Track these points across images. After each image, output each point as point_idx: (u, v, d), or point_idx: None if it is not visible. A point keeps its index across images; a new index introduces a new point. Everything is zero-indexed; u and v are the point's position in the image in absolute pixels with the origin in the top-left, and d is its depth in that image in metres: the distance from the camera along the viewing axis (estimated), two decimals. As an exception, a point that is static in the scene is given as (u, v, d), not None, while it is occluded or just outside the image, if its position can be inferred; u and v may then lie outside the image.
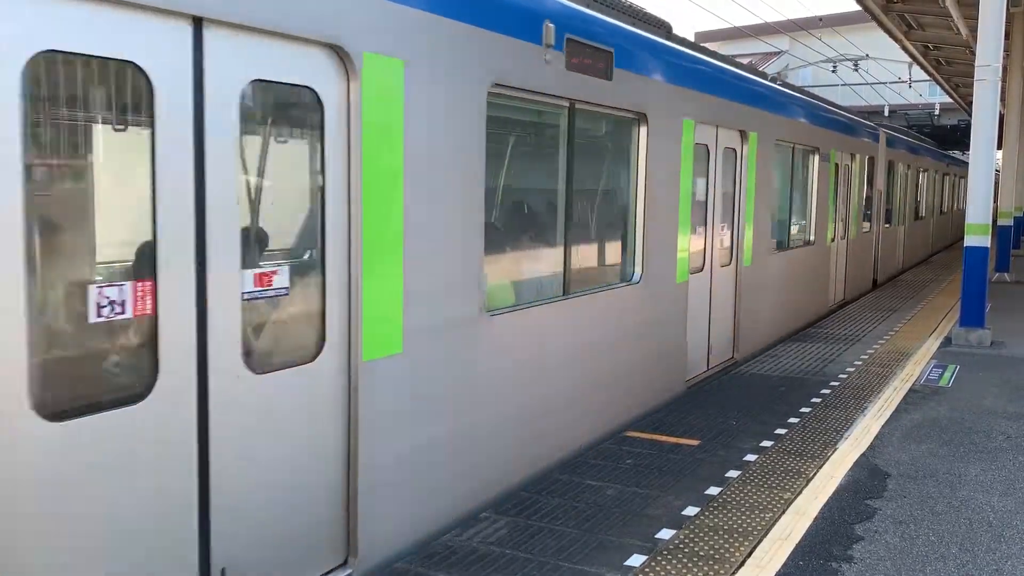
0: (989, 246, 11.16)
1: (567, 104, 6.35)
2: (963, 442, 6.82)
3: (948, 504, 5.50)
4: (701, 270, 9.03)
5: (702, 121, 8.57)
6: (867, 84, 32.05)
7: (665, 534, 5.07)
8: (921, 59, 23.47)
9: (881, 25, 19.95)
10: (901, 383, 8.83)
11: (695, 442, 6.87)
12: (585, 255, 6.97)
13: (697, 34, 47.68)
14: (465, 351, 5.16)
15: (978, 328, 11.02)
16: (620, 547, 4.90)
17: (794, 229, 12.41)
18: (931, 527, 5.13)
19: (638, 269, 7.54)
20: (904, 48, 22.13)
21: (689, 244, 8.42)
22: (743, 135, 9.80)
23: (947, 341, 11.22)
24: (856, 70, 28.86)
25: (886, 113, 31.69)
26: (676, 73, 7.95)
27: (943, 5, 16.77)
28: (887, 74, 32.95)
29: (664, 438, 6.96)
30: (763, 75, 12.05)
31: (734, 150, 9.66)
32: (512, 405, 5.72)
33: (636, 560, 4.73)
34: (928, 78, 27.53)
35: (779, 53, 36.63)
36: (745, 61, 23.60)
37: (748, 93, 9.91)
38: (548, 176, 6.57)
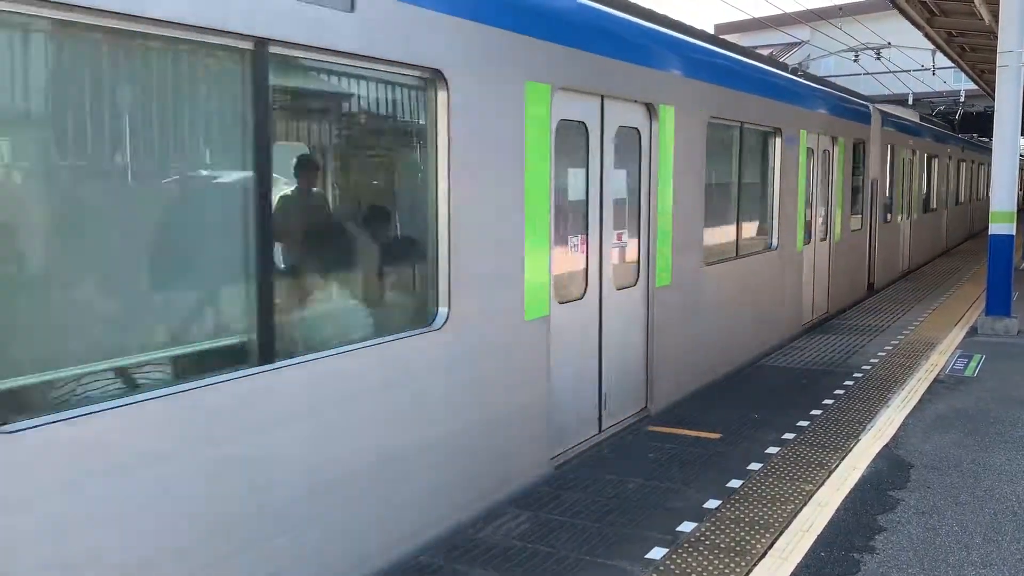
0: (1014, 233, 11.04)
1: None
2: (988, 432, 6.76)
3: (972, 494, 5.47)
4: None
5: None
6: (890, 72, 31.67)
7: (686, 527, 5.08)
8: (945, 46, 23.16)
9: (903, 12, 19.69)
10: (926, 374, 8.76)
11: (716, 435, 6.86)
12: None
13: (717, 26, 47.38)
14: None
15: (1005, 317, 10.90)
16: (641, 540, 4.92)
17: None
18: (955, 518, 5.10)
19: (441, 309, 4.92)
20: (927, 35, 21.85)
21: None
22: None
23: (973, 331, 11.11)
24: (879, 59, 28.52)
25: (910, 102, 31.32)
26: None
27: (965, -9, 16.55)
28: (911, 62, 32.57)
29: (685, 432, 6.96)
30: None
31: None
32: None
33: (657, 553, 4.74)
34: (952, 65, 27.17)
35: (800, 43, 36.34)
36: (766, 52, 23.42)
37: None
38: None
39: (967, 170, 27.99)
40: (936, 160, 21.22)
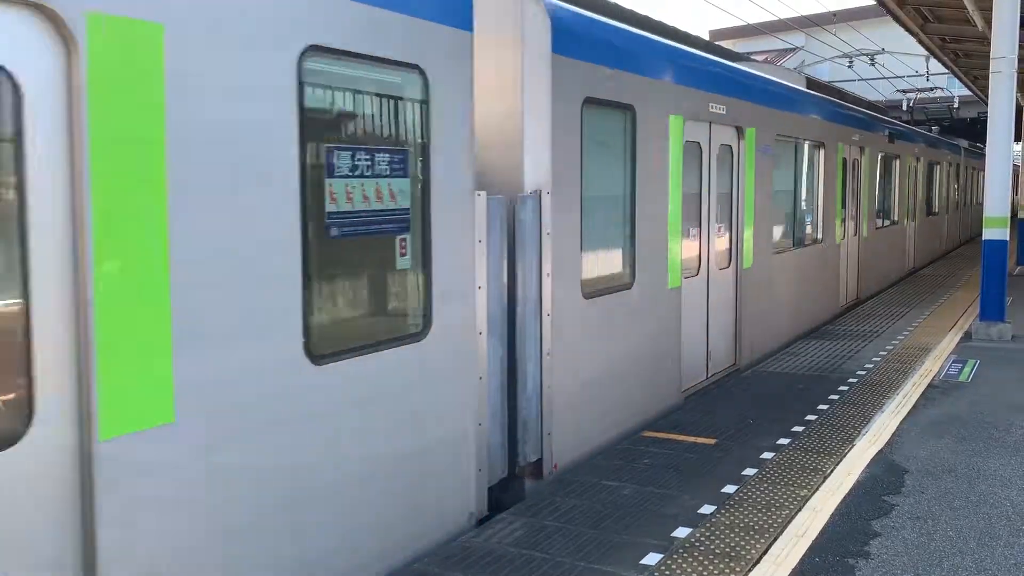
0: (1008, 239, 11.07)
1: None
2: (982, 437, 6.78)
3: (966, 499, 5.48)
4: None
5: None
6: (884, 78, 31.79)
7: (681, 532, 5.09)
8: (938, 52, 23.24)
9: (896, 19, 19.76)
10: (920, 379, 8.78)
11: (711, 441, 6.87)
12: None
13: (712, 32, 47.55)
14: None
15: (999, 322, 10.92)
16: (636, 546, 4.92)
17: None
18: (949, 522, 5.11)
19: None
20: (921, 42, 21.92)
21: None
22: None
23: (967, 336, 11.13)
24: (873, 65, 28.63)
25: (904, 107, 31.44)
26: None
27: (958, -3, 16.60)
28: (905, 68, 32.72)
29: (681, 437, 6.97)
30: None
31: None
32: None
33: (652, 559, 4.74)
34: (946, 71, 27.26)
35: (795, 49, 36.46)
36: (761, 58, 23.47)
37: None
38: None
39: (910, 171, 19.17)
40: (820, 152, 12.41)
